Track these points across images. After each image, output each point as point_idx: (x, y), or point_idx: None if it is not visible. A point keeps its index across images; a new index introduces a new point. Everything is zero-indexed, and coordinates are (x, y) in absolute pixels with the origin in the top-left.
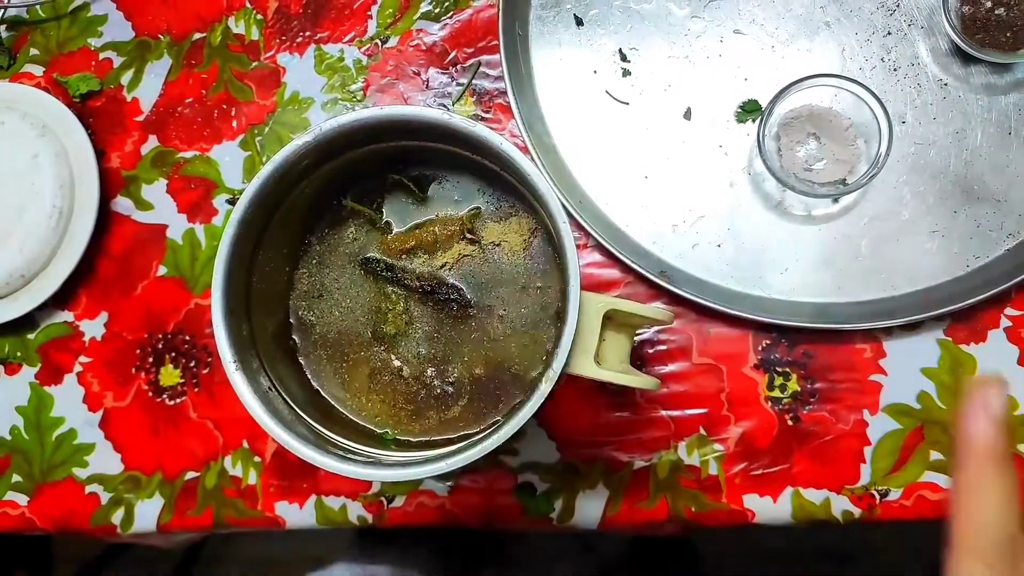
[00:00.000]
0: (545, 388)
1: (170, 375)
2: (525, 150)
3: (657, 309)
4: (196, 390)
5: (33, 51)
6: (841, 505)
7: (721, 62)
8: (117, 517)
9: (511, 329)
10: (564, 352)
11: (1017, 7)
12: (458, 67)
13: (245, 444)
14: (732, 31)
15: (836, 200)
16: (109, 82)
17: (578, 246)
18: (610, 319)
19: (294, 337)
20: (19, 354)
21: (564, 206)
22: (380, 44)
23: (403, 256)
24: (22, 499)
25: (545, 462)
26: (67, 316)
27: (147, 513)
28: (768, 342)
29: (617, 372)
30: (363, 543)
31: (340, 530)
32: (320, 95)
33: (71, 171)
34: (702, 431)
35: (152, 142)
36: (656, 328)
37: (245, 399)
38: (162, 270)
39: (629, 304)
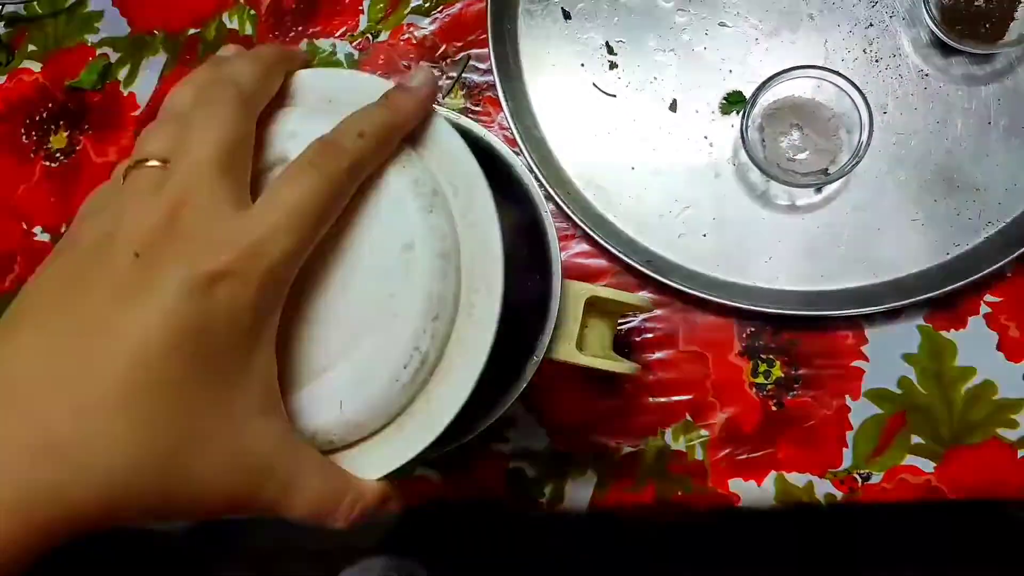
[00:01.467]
0: (528, 373)
1: None
2: (514, 142)
3: (637, 296)
4: None
5: (31, 47)
6: (824, 488)
7: (706, 54)
8: None
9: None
10: (546, 338)
11: None
12: (448, 61)
13: None
14: (717, 24)
15: (819, 190)
16: (106, 77)
17: (566, 236)
18: (592, 306)
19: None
20: None
21: (552, 197)
22: (371, 38)
23: None
24: None
25: (535, 448)
26: None
27: None
28: (753, 330)
29: (598, 358)
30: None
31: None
32: None
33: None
34: (688, 417)
35: None
36: (643, 316)
37: None
38: None
39: (610, 291)
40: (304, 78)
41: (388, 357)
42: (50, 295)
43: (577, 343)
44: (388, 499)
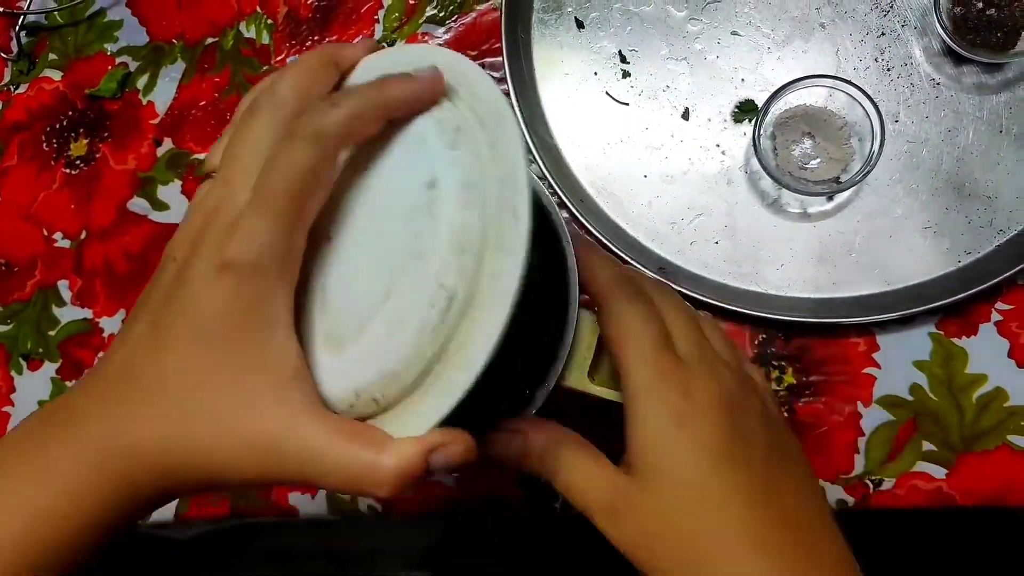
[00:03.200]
0: (538, 400)
1: None
2: (527, 151)
3: None
4: None
5: (52, 56)
6: (835, 494)
7: (718, 63)
8: None
9: None
10: (559, 366)
11: (1007, 8)
12: None
13: None
14: (729, 33)
15: (831, 198)
16: (125, 86)
17: None
18: None
19: None
20: (41, 350)
21: (564, 204)
22: (387, 47)
23: None
24: None
25: None
26: (86, 313)
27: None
28: (764, 336)
29: (608, 389)
30: None
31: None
32: None
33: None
34: None
35: (167, 144)
36: None
37: None
38: None
39: None
40: (369, 62)
41: (416, 298)
42: (143, 302)
43: (589, 371)
44: (437, 449)
